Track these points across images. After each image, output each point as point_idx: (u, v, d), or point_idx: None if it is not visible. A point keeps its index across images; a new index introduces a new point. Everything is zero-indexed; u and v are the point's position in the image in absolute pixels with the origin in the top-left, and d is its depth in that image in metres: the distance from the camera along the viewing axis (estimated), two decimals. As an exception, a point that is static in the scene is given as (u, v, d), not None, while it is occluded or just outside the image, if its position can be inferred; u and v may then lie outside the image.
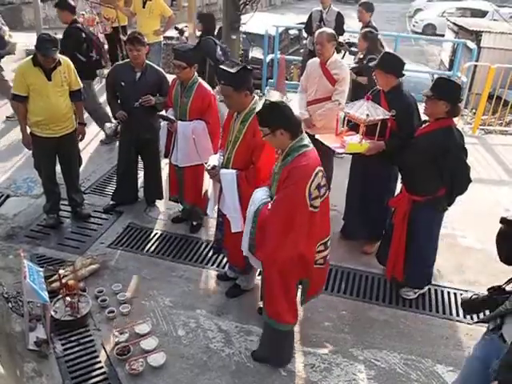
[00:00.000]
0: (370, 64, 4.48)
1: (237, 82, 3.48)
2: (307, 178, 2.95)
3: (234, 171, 3.67)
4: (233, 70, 3.44)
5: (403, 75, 4.22)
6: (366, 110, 4.07)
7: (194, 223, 5.02)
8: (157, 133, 4.95)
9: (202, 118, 4.50)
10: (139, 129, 4.91)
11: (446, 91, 3.65)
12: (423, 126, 3.92)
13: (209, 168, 3.81)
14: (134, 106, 4.76)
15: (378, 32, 6.59)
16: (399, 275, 4.18)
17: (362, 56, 6.30)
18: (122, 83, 4.80)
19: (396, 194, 4.43)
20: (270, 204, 3.13)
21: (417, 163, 3.83)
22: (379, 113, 4.10)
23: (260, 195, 3.24)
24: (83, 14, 9.42)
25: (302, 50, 10.39)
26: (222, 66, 3.57)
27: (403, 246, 4.07)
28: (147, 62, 4.89)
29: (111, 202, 5.36)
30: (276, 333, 3.39)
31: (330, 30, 5.07)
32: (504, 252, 2.50)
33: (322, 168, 3.05)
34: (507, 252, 2.48)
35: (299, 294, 3.43)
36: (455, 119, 3.88)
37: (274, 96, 3.10)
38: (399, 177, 4.30)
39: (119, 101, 4.95)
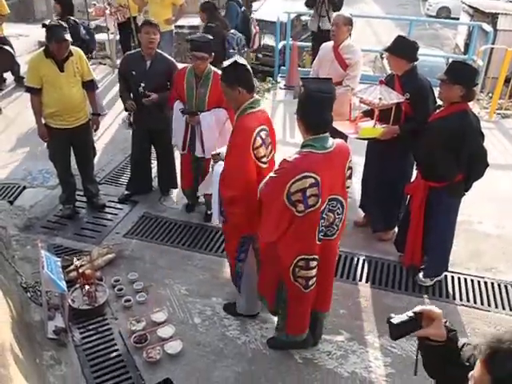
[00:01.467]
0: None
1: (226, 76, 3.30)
2: (290, 176, 2.80)
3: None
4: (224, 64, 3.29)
5: (416, 59, 4.14)
6: (379, 94, 4.03)
7: (209, 212, 5.02)
8: (169, 122, 4.92)
9: (219, 106, 4.47)
10: (151, 119, 4.90)
11: (461, 75, 3.59)
12: (438, 110, 3.86)
13: (213, 153, 3.71)
14: (140, 94, 4.75)
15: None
16: (418, 261, 4.17)
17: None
18: (133, 72, 4.79)
19: (412, 180, 4.39)
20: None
21: (432, 149, 3.78)
22: (393, 97, 4.05)
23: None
24: (94, 4, 9.44)
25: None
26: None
27: (421, 232, 4.04)
28: (157, 50, 4.87)
29: (126, 192, 5.39)
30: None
31: (348, 14, 5.01)
32: None
33: (317, 177, 2.79)
34: None
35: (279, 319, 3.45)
36: (471, 103, 3.82)
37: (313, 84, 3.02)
38: (415, 163, 4.26)
39: (131, 91, 4.93)
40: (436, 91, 3.97)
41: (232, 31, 7.14)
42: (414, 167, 4.27)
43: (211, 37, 4.54)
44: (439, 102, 3.91)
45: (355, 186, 4.95)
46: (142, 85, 4.73)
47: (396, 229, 4.64)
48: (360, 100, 4.29)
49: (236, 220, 3.31)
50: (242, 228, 3.37)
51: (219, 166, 3.41)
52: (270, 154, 3.39)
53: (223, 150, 3.77)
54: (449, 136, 3.66)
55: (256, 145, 3.14)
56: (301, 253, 3.02)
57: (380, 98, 4.00)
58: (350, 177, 3.08)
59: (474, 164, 3.71)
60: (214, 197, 3.42)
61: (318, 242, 3.01)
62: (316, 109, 2.85)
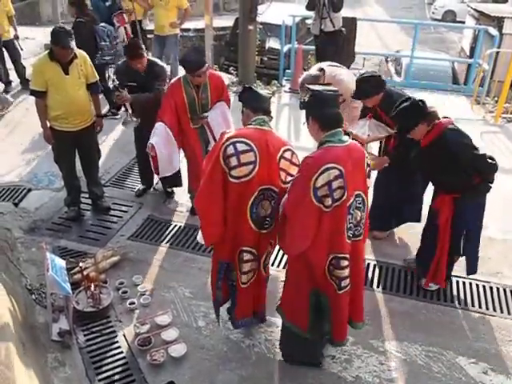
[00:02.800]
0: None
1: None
2: (313, 171, 2.80)
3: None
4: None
5: (383, 88, 4.27)
6: (368, 130, 4.22)
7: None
8: None
9: (219, 100, 4.62)
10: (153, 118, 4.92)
11: (412, 118, 3.70)
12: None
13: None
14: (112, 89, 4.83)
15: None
16: (441, 281, 4.09)
17: None
18: (130, 83, 4.82)
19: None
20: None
21: (435, 170, 3.82)
22: (381, 130, 4.23)
23: None
24: None
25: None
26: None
27: (447, 249, 3.95)
28: (149, 58, 4.92)
29: (142, 187, 5.50)
30: (290, 330, 3.34)
31: (311, 73, 4.85)
32: None
33: (340, 167, 2.79)
34: None
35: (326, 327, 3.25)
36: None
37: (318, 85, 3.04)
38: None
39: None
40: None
41: (102, 24, 7.18)
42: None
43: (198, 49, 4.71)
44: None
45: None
46: (113, 77, 4.82)
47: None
48: (351, 135, 4.38)
49: (205, 236, 3.31)
50: (217, 251, 3.41)
51: None
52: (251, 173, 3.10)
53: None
54: (441, 160, 3.68)
55: (227, 154, 3.04)
56: (332, 251, 2.97)
57: (368, 135, 4.21)
58: (368, 175, 3.07)
59: (479, 171, 3.70)
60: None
61: (347, 241, 2.97)
62: (326, 105, 2.92)
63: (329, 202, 2.83)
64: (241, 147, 3.04)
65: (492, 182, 3.83)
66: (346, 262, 2.99)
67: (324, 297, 3.12)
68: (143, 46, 4.76)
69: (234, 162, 3.04)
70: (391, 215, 4.68)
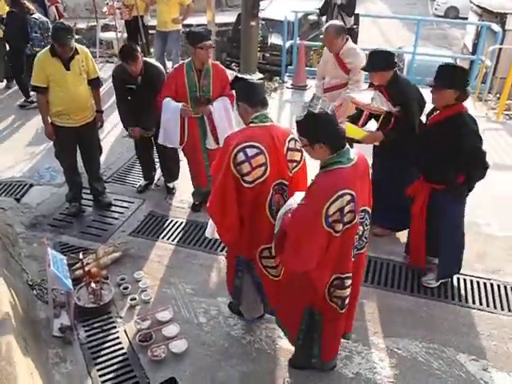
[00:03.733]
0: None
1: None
2: (326, 198, 2.62)
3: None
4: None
5: (395, 66, 4.18)
6: (372, 97, 4.11)
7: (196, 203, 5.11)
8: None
9: (222, 94, 4.59)
10: (150, 114, 4.90)
11: (451, 79, 3.57)
12: (434, 114, 3.84)
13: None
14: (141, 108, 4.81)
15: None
16: (422, 263, 4.18)
17: None
18: (132, 86, 4.81)
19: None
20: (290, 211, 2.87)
21: (431, 153, 3.78)
22: (384, 104, 4.13)
23: (294, 199, 2.98)
24: (107, 3, 9.48)
25: (321, 36, 10.28)
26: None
27: (423, 234, 4.03)
28: (145, 59, 4.86)
29: (144, 183, 5.53)
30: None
31: (337, 24, 4.98)
32: None
33: (351, 191, 2.66)
34: None
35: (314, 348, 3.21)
36: (471, 104, 3.81)
37: (318, 104, 2.74)
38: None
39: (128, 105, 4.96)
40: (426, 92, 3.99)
41: (36, 15, 7.20)
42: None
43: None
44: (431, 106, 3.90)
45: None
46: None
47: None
48: (352, 101, 4.33)
49: (222, 238, 3.31)
50: (234, 248, 3.41)
51: None
52: (264, 175, 3.08)
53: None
54: (446, 140, 3.64)
55: (237, 161, 2.99)
56: (336, 272, 2.87)
57: (372, 98, 4.07)
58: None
59: (473, 166, 3.69)
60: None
61: (352, 259, 2.88)
62: (332, 126, 2.69)
63: (339, 227, 2.70)
64: (251, 152, 2.98)
65: (473, 186, 3.85)
66: (349, 282, 2.92)
67: (319, 316, 3.04)
68: (138, 49, 4.70)
69: (246, 168, 2.99)
70: (393, 215, 4.64)
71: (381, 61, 4.15)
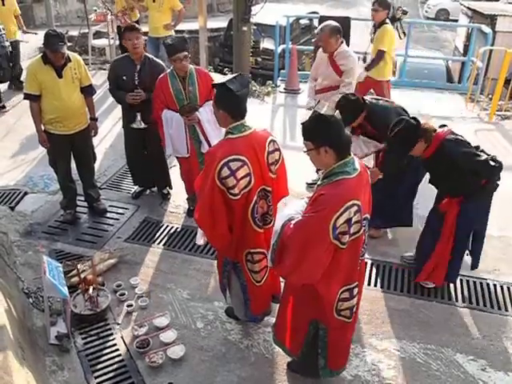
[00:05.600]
0: None
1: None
2: (334, 210, 2.54)
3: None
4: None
5: (364, 108, 4.24)
6: (358, 148, 4.29)
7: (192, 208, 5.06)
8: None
9: (209, 99, 4.54)
10: (143, 120, 4.93)
11: (409, 138, 3.69)
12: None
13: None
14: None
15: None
16: (438, 280, 4.12)
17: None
18: (124, 77, 4.79)
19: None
20: (293, 222, 2.75)
21: (439, 178, 3.85)
22: (370, 147, 4.29)
23: (292, 209, 2.90)
24: (95, 10, 9.48)
25: (313, 40, 10.30)
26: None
27: (449, 250, 3.97)
28: (146, 54, 4.89)
29: (138, 189, 5.52)
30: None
31: (333, 24, 5.01)
32: None
33: (358, 202, 2.60)
34: None
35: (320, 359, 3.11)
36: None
37: (324, 108, 2.65)
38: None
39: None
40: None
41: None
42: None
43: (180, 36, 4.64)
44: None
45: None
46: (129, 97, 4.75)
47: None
48: None
49: (214, 246, 3.37)
50: (221, 251, 3.45)
51: None
52: (249, 186, 3.11)
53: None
54: (445, 168, 3.70)
55: (222, 175, 2.99)
56: (344, 284, 2.81)
57: (357, 148, 4.27)
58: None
59: (482, 176, 3.72)
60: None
61: (358, 268, 2.85)
62: (339, 130, 2.62)
63: (346, 238, 2.63)
64: (234, 165, 2.99)
65: (499, 180, 3.86)
66: (356, 290, 2.89)
67: (323, 330, 2.99)
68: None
69: (231, 181, 3.01)
70: (386, 214, 4.66)
71: (350, 114, 4.10)
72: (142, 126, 4.93)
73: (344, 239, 2.62)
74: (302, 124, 2.68)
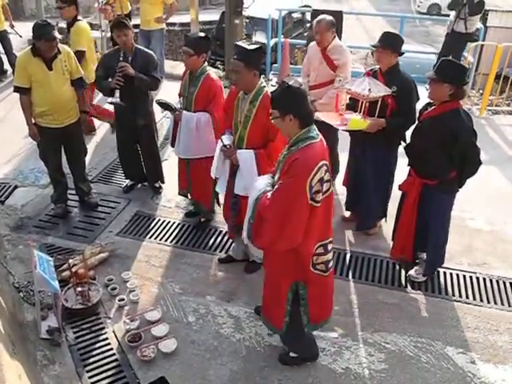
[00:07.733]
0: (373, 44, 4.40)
1: (249, 59, 3.53)
2: (309, 172, 2.74)
3: (252, 150, 3.72)
4: (248, 47, 3.53)
5: (402, 53, 4.23)
6: (368, 86, 4.07)
7: (202, 219, 5.00)
8: (151, 118, 5.06)
9: (206, 110, 4.37)
10: (134, 114, 4.88)
11: (450, 74, 3.58)
12: (429, 109, 3.87)
13: (224, 148, 3.83)
14: (119, 85, 4.67)
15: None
16: (408, 256, 4.23)
17: None
18: (116, 69, 4.70)
19: (404, 177, 4.40)
20: (269, 193, 2.91)
21: (426, 148, 3.80)
22: (380, 89, 4.11)
23: (262, 183, 3.09)
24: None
25: (306, 34, 10.29)
26: (238, 42, 3.64)
27: (413, 229, 4.07)
28: (136, 45, 4.86)
29: (129, 183, 5.50)
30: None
31: (329, 18, 4.99)
32: None
33: (326, 162, 2.83)
34: None
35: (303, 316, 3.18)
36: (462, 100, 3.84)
37: (291, 81, 2.84)
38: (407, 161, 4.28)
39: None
40: (420, 87, 4.01)
41: None
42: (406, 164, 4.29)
43: (202, 35, 4.49)
44: (427, 100, 3.91)
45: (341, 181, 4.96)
46: (117, 76, 4.65)
47: (382, 222, 4.83)
48: (347, 92, 4.32)
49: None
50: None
51: (246, 154, 3.67)
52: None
53: (226, 139, 3.89)
54: (441, 135, 3.67)
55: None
56: (319, 240, 2.98)
57: (369, 90, 4.04)
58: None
59: (467, 162, 3.72)
60: (250, 182, 3.40)
61: (331, 225, 3.06)
62: (304, 101, 2.83)
63: (320, 196, 2.82)
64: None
65: (464, 183, 3.90)
66: (331, 245, 3.08)
67: (303, 289, 3.09)
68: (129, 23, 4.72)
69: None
70: (379, 204, 4.69)
71: (392, 41, 4.19)
72: (119, 101, 4.79)
73: (318, 197, 2.82)
74: (271, 93, 2.92)
